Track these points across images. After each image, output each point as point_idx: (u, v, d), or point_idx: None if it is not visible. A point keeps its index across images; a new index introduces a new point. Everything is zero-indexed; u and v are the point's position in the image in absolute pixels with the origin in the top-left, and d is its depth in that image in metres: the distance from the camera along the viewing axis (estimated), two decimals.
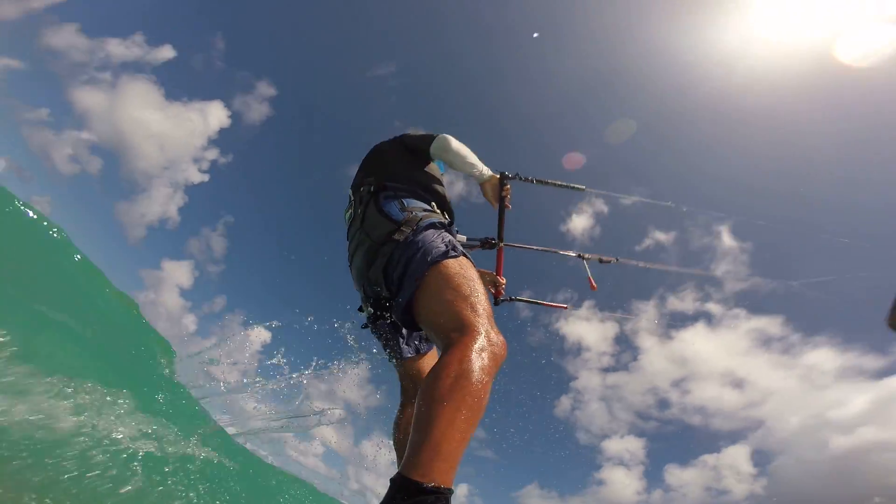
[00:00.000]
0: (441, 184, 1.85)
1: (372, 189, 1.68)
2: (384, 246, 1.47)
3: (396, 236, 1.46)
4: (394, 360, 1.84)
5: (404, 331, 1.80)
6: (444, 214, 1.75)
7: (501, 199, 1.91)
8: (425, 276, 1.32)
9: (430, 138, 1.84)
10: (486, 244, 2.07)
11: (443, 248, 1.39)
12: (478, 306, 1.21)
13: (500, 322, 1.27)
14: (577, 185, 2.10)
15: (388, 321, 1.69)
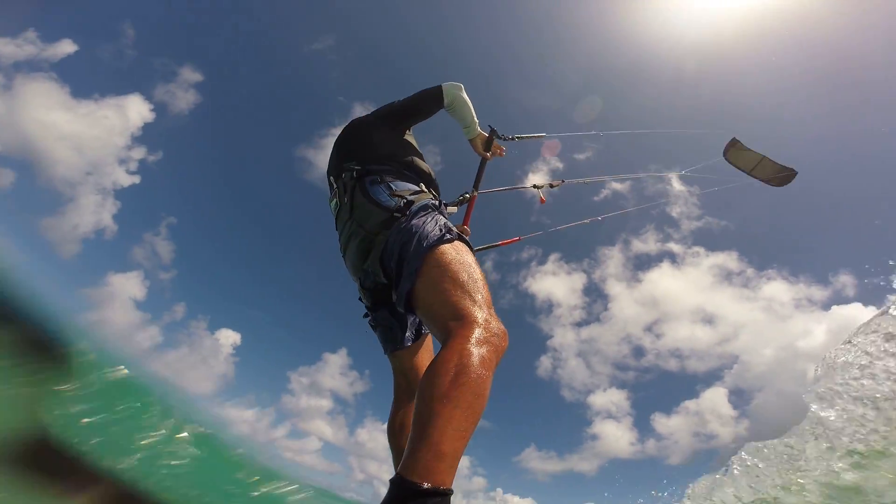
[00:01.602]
0: (422, 157, 1.81)
1: (355, 175, 1.63)
2: (378, 236, 1.45)
3: (390, 222, 1.43)
4: (389, 352, 1.78)
5: (408, 318, 1.75)
6: (431, 192, 1.72)
7: (490, 152, 2.11)
8: (422, 264, 1.28)
9: (435, 87, 1.87)
10: (462, 200, 2.15)
11: (437, 232, 1.36)
12: (476, 294, 1.18)
13: None
14: (538, 135, 2.40)
15: (389, 310, 1.67)
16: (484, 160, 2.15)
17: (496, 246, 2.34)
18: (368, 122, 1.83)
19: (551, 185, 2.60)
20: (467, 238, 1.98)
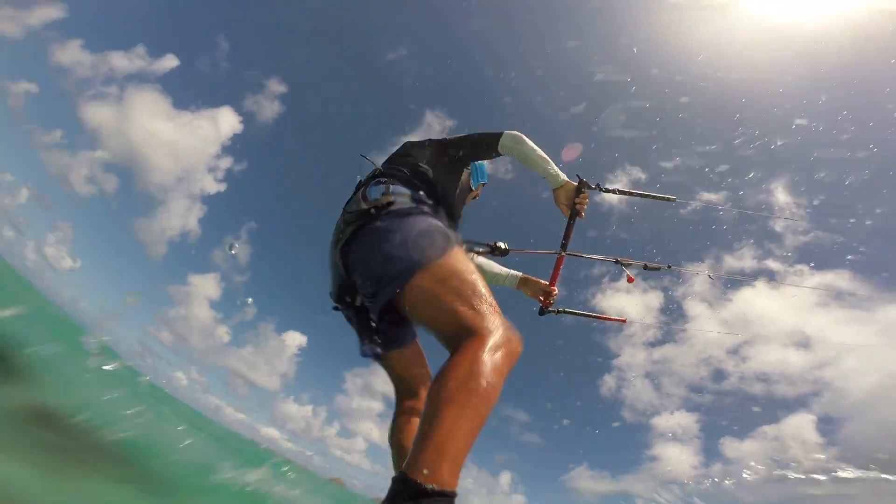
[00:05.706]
0: (454, 184, 1.70)
1: (370, 174, 1.63)
2: (348, 227, 1.43)
3: (363, 216, 1.40)
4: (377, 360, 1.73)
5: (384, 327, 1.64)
6: (436, 206, 1.59)
7: (574, 208, 1.79)
8: (415, 275, 1.20)
9: (495, 133, 1.75)
10: (494, 250, 1.91)
11: (429, 238, 1.28)
12: (482, 305, 1.14)
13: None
14: (667, 196, 1.92)
15: (364, 317, 1.59)
16: (573, 215, 1.83)
17: (595, 318, 2.12)
18: (419, 144, 1.78)
19: (646, 267, 2.13)
20: (553, 298, 1.97)
